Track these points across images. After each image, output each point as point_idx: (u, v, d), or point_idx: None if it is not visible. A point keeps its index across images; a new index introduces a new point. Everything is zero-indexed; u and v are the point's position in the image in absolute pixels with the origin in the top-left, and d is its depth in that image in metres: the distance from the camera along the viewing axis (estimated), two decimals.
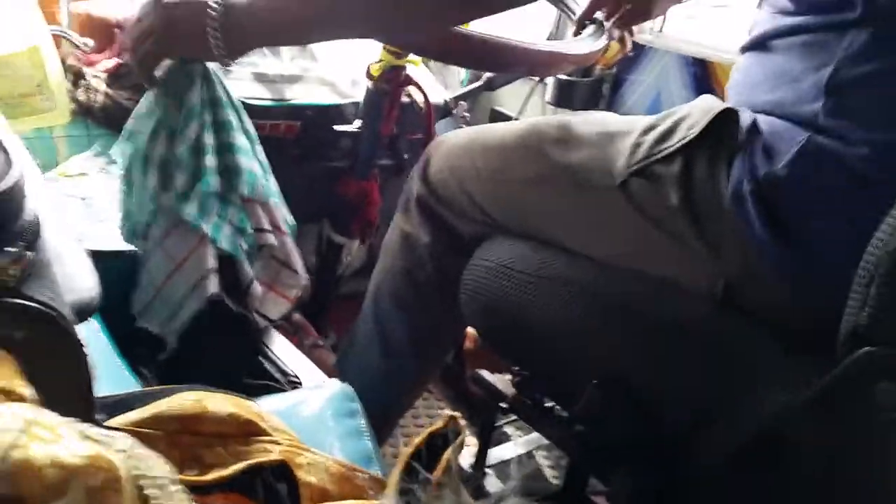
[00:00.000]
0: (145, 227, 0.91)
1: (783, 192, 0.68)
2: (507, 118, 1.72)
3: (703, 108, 0.76)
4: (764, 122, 0.71)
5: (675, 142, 0.74)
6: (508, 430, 1.29)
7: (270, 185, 0.95)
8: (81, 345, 0.46)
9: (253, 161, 0.92)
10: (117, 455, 0.28)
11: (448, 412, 0.48)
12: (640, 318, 0.74)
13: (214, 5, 0.73)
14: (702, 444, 0.69)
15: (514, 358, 0.94)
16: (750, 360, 0.68)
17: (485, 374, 0.99)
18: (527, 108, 1.67)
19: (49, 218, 0.54)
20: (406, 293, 1.02)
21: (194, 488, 0.34)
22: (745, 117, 0.72)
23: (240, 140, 0.90)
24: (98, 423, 0.53)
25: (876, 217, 0.56)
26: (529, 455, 1.19)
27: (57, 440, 0.26)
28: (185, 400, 0.67)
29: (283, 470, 0.39)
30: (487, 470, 1.06)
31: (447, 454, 0.39)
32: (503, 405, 0.97)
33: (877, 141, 0.63)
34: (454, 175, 0.92)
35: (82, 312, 0.50)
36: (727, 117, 0.73)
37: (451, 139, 0.98)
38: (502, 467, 1.08)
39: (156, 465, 0.30)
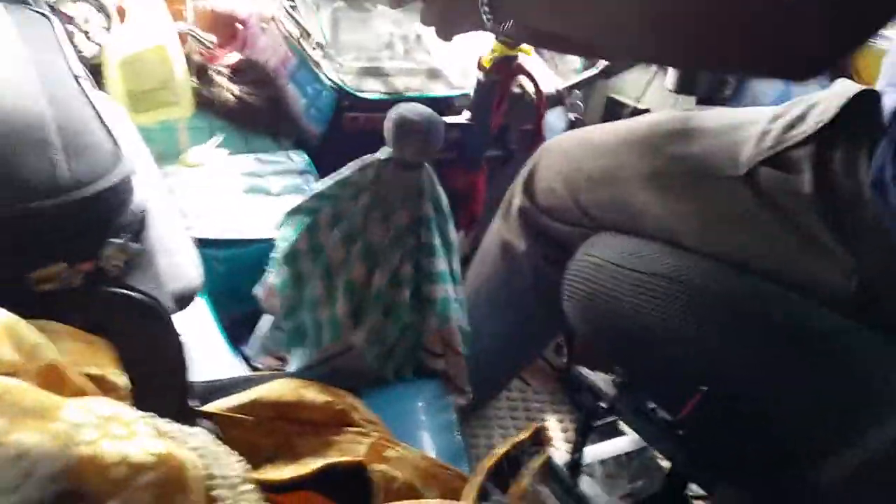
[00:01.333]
0: (316, 342, 0.81)
1: None
2: (624, 107, 1.66)
3: (839, 92, 0.69)
4: None
5: (807, 126, 0.68)
6: (607, 430, 1.25)
7: (458, 306, 0.85)
8: (179, 335, 0.48)
9: (448, 285, 0.82)
10: (189, 453, 0.28)
11: (535, 423, 0.46)
12: (758, 322, 0.69)
13: None
14: (817, 466, 0.64)
15: (617, 357, 0.90)
16: (882, 377, 0.61)
17: (585, 371, 0.96)
18: (646, 95, 1.60)
19: (159, 208, 0.56)
20: (501, 296, 1.00)
21: (275, 487, 0.34)
22: (891, 99, 0.65)
23: (438, 266, 0.80)
24: (193, 409, 0.55)
25: None
26: (628, 456, 1.15)
27: (131, 437, 0.27)
28: (283, 387, 0.69)
29: (359, 470, 0.38)
30: (584, 468, 1.03)
31: (525, 476, 0.38)
32: (603, 405, 0.93)
33: None
34: (564, 184, 0.89)
35: (184, 300, 0.52)
36: (868, 100, 0.66)
37: (558, 145, 0.95)
38: (599, 467, 1.05)
39: (228, 464, 0.30)
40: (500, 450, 0.46)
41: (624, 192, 0.82)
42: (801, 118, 0.70)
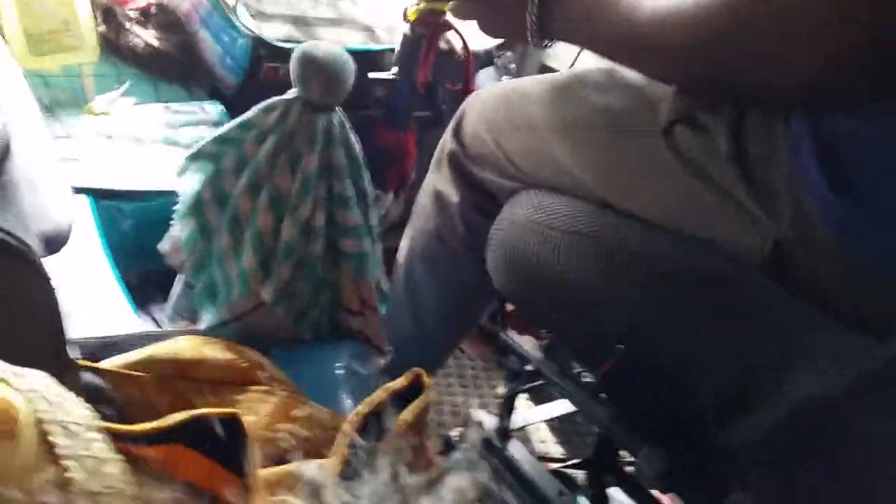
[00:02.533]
0: (226, 297, 0.77)
1: (853, 145, 0.60)
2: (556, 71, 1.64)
3: None
4: None
5: None
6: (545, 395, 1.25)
7: (375, 262, 0.81)
8: (48, 278, 0.43)
9: (364, 238, 0.78)
10: (16, 395, 0.24)
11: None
12: (676, 280, 0.68)
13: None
14: (736, 421, 0.63)
15: (540, 319, 0.88)
16: (795, 333, 0.61)
17: (513, 335, 0.94)
18: (579, 61, 1.59)
19: (29, 146, 0.51)
20: (437, 254, 0.98)
21: (133, 438, 0.30)
22: None
23: (351, 218, 0.76)
24: (74, 363, 0.50)
25: None
26: (560, 420, 1.15)
27: None
28: (183, 344, 0.64)
29: (233, 423, 0.35)
30: (512, 434, 1.02)
31: (391, 424, 0.35)
32: (529, 368, 0.92)
33: None
34: (488, 130, 0.87)
35: (52, 243, 0.47)
36: None
37: (487, 93, 0.93)
38: (528, 431, 1.04)
39: (72, 410, 0.26)
40: (374, 398, 0.43)
41: (544, 142, 0.81)
42: None
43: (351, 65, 0.73)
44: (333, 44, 0.72)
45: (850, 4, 0.51)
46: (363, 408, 0.43)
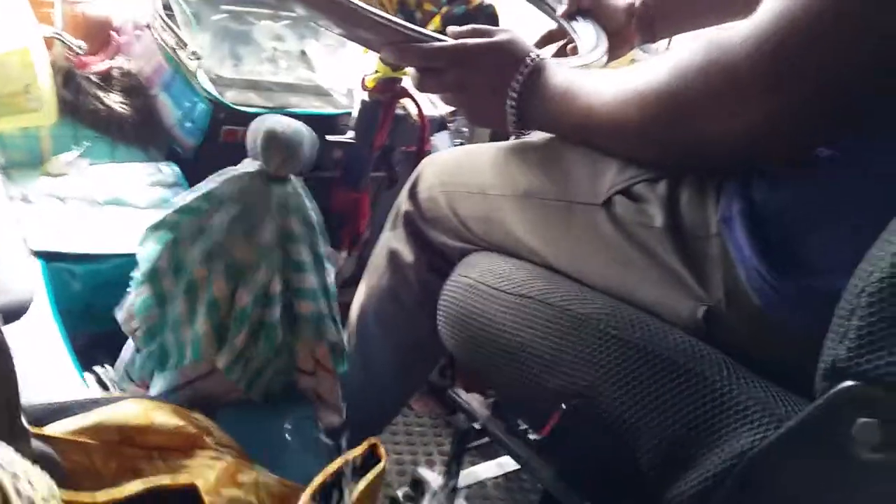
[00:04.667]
0: (178, 362, 0.77)
1: (777, 214, 0.65)
2: (506, 136, 1.70)
3: None
4: None
5: None
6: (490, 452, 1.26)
7: (332, 323, 0.83)
8: (6, 348, 0.44)
9: (320, 301, 0.80)
10: None
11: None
12: (616, 343, 0.71)
13: (516, 88, 0.77)
14: (675, 478, 0.66)
15: (487, 378, 0.90)
16: (728, 392, 0.64)
17: (460, 392, 0.96)
18: None
19: None
20: (390, 311, 1.00)
21: None
22: None
23: (308, 282, 0.78)
24: (25, 430, 0.51)
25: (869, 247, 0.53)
26: (506, 478, 1.16)
27: None
28: (131, 409, 0.65)
29: (191, 493, 0.36)
30: (459, 491, 1.03)
31: (349, 495, 0.37)
32: (476, 426, 0.93)
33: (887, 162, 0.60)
34: (443, 193, 0.91)
35: (12, 315, 0.48)
36: None
37: (443, 157, 0.97)
38: (474, 489, 1.05)
39: (35, 481, 0.27)
40: (332, 466, 0.44)
41: (495, 208, 0.84)
42: None
43: (310, 139, 0.76)
44: (292, 119, 0.75)
45: (789, 66, 0.57)
46: (321, 478, 0.44)
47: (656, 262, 0.71)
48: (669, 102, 0.64)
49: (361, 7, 0.76)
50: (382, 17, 0.77)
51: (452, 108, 1.42)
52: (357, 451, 0.47)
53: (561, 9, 1.09)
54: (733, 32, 0.59)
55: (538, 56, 0.78)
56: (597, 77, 0.74)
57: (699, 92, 0.62)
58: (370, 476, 0.47)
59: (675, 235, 0.70)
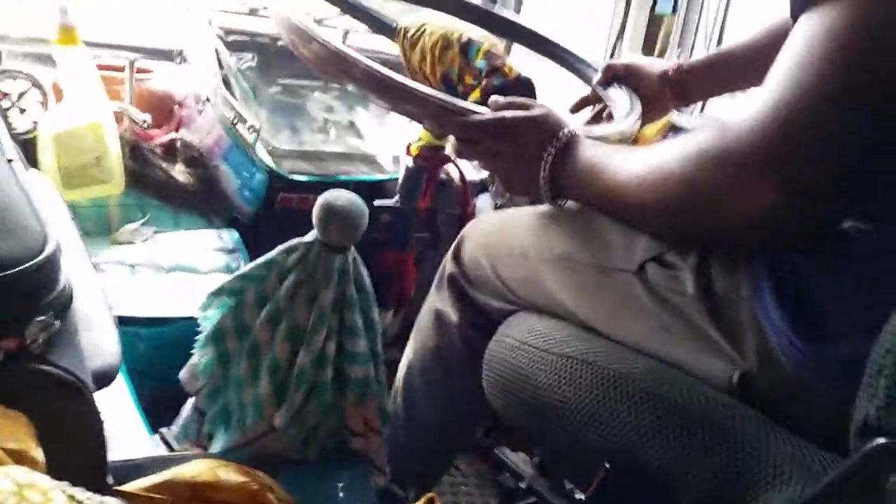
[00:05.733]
0: (241, 422, 0.81)
1: (803, 280, 0.67)
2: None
3: None
4: None
5: None
6: None
7: (379, 386, 0.87)
8: (98, 412, 0.49)
9: (369, 364, 0.85)
10: None
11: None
12: (655, 401, 0.73)
13: (548, 161, 0.80)
14: None
15: (531, 437, 0.93)
16: (763, 450, 0.66)
17: (506, 452, 0.98)
18: None
19: (82, 285, 0.58)
20: (436, 370, 1.02)
21: None
22: None
23: (360, 346, 0.83)
24: (109, 488, 0.55)
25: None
26: None
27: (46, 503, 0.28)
28: (199, 467, 0.69)
29: None
30: None
31: None
32: (522, 485, 0.95)
33: None
34: (486, 256, 0.94)
35: (104, 379, 0.53)
36: None
37: (485, 220, 1.01)
38: None
39: None
40: None
41: (535, 271, 0.87)
42: None
43: (365, 211, 0.81)
44: (350, 193, 0.81)
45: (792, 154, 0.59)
46: None
47: (691, 328, 0.73)
48: (684, 188, 0.67)
49: (405, 83, 0.81)
50: (424, 92, 0.82)
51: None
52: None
53: (597, 77, 1.14)
54: (741, 118, 0.61)
55: (571, 131, 0.81)
56: (622, 155, 0.77)
57: (712, 178, 0.64)
58: None
59: (707, 302, 0.72)
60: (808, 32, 0.60)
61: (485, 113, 0.84)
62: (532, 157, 0.81)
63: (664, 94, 1.12)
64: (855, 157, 0.59)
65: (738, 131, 0.61)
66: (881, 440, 0.53)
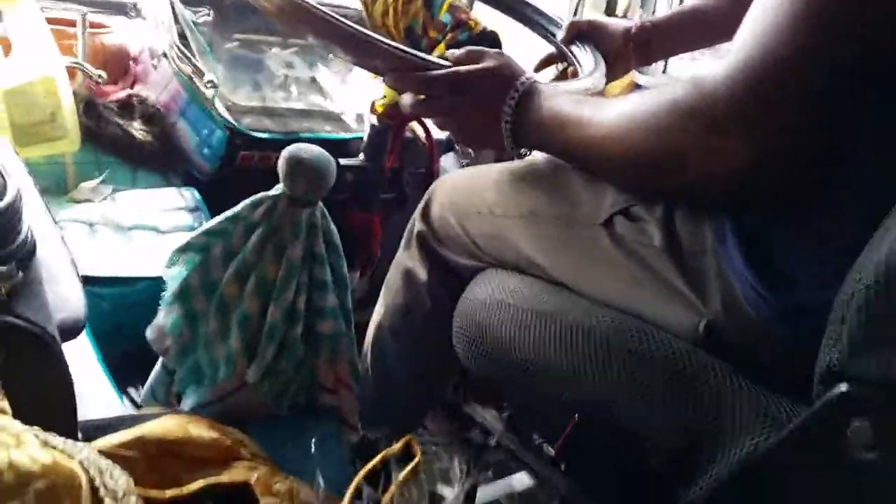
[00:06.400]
0: (212, 378, 0.81)
1: (766, 230, 0.69)
2: (510, 157, 1.74)
3: None
4: None
5: None
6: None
7: (349, 342, 0.87)
8: (66, 364, 0.48)
9: (339, 320, 0.84)
10: (76, 464, 0.29)
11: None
12: (623, 357, 0.74)
13: (509, 111, 0.79)
14: (684, 484, 0.69)
15: (502, 393, 0.94)
16: (731, 399, 0.68)
17: (476, 408, 0.99)
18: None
19: (44, 239, 0.56)
20: (405, 329, 1.02)
21: (162, 502, 0.35)
22: None
23: (330, 301, 0.82)
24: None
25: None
26: (523, 494, 1.18)
27: (19, 446, 0.28)
28: (169, 424, 0.68)
29: (244, 490, 0.39)
30: None
31: (393, 483, 0.40)
32: (491, 441, 0.96)
33: (870, 175, 0.62)
34: (454, 213, 0.94)
35: (70, 332, 0.52)
36: None
37: (452, 178, 1.01)
38: None
39: (114, 477, 0.31)
40: (372, 462, 0.48)
41: (503, 227, 0.87)
42: None
43: (333, 165, 0.80)
44: (317, 147, 0.79)
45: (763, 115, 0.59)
46: (360, 472, 0.48)
47: (658, 279, 0.74)
48: (654, 141, 0.66)
49: (365, 34, 0.79)
50: (385, 44, 0.80)
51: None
52: (396, 447, 0.50)
53: (560, 34, 1.13)
54: (713, 74, 0.61)
55: (529, 79, 0.80)
56: (589, 105, 0.76)
57: (682, 132, 0.63)
58: (411, 466, 0.51)
59: (673, 253, 0.73)
60: None
61: (448, 65, 0.82)
62: (491, 109, 0.80)
63: (627, 52, 1.12)
64: (825, 119, 0.58)
65: (711, 88, 0.61)
66: (843, 386, 0.55)
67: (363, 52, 0.82)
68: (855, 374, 0.54)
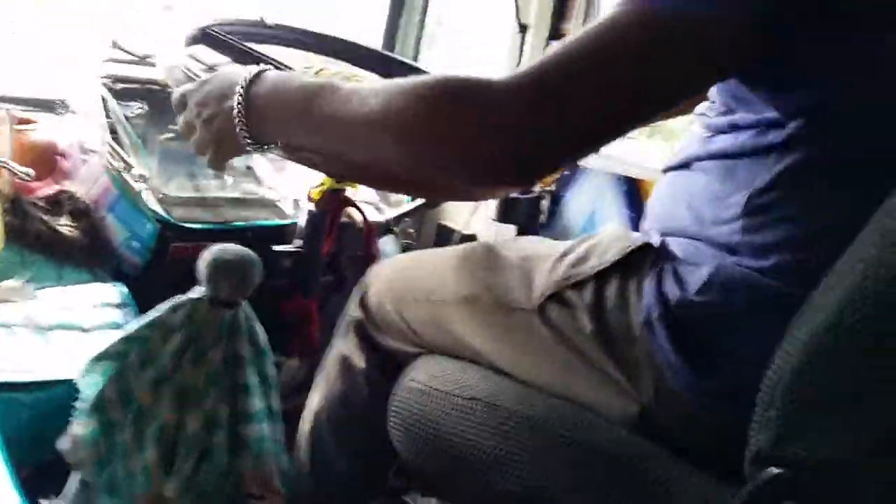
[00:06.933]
0: (128, 492, 0.77)
1: (693, 317, 0.69)
2: (453, 232, 1.76)
3: (612, 234, 0.79)
4: (677, 245, 0.73)
5: (587, 268, 0.76)
6: None
7: (276, 445, 0.85)
8: None
9: (264, 424, 0.82)
10: None
11: None
12: (562, 443, 0.73)
13: (238, 98, 0.72)
14: None
15: (438, 483, 0.91)
16: (667, 487, 0.66)
17: (416, 497, 0.96)
18: (472, 222, 1.70)
19: None
20: (342, 417, 1.00)
21: None
22: (655, 241, 0.74)
23: (255, 405, 0.81)
24: None
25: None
26: None
27: None
28: None
29: None
30: None
31: None
32: None
33: (790, 258, 0.64)
34: (391, 300, 0.93)
35: None
36: (639, 245, 0.75)
37: (390, 265, 1.01)
38: None
39: None
40: None
41: (440, 313, 0.87)
42: (583, 258, 0.78)
43: (258, 264, 0.78)
44: (239, 247, 0.77)
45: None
46: None
47: (590, 365, 0.74)
48: (420, 123, 0.61)
49: None
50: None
51: (399, 214, 1.48)
52: None
53: None
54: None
55: (249, 72, 0.73)
56: (333, 92, 0.67)
57: (444, 105, 0.60)
58: None
59: (604, 340, 0.73)
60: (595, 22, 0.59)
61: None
62: (223, 114, 0.73)
63: None
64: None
65: (495, 81, 0.59)
66: (774, 470, 0.54)
67: None
68: (784, 457, 0.54)
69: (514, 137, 0.58)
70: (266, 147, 0.74)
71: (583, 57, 0.58)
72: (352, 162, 0.75)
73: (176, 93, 0.78)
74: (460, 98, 0.60)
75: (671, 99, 0.61)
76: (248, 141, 0.72)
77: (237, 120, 0.71)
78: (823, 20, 0.59)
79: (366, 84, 0.67)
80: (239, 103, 0.71)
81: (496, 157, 0.59)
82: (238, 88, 0.71)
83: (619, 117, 0.60)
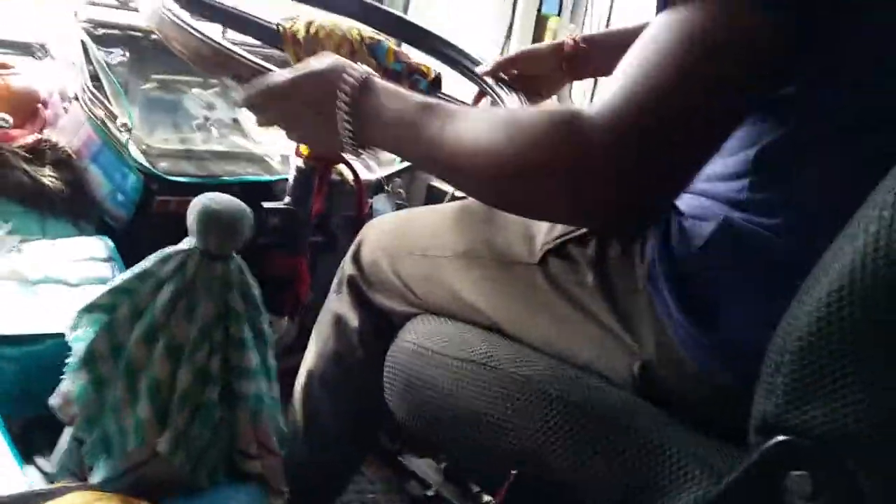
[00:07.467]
0: (121, 449, 0.75)
1: (697, 272, 0.68)
2: (443, 193, 1.74)
3: None
4: (682, 199, 0.72)
5: None
6: None
7: (273, 403, 0.82)
8: None
9: (261, 380, 0.79)
10: None
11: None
12: (558, 404, 0.73)
13: (345, 107, 0.71)
14: None
15: (436, 444, 0.91)
16: (669, 449, 0.66)
17: (412, 458, 0.96)
18: None
19: None
20: (336, 376, 0.99)
21: None
22: None
23: (251, 361, 0.78)
24: None
25: (789, 301, 0.56)
26: None
27: None
28: (75, 502, 0.63)
29: None
30: None
31: None
32: (429, 492, 0.93)
33: (798, 218, 0.63)
34: (385, 257, 0.92)
35: None
36: None
37: (383, 222, 0.99)
38: None
39: None
40: None
41: (437, 269, 0.86)
42: None
43: (248, 215, 0.76)
44: (230, 197, 0.75)
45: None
46: None
47: (592, 320, 0.74)
48: (514, 147, 0.60)
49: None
50: (230, 51, 0.77)
51: (390, 172, 1.46)
52: None
53: (482, 69, 1.10)
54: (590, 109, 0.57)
55: (361, 74, 0.73)
56: (446, 114, 0.67)
57: (542, 162, 0.58)
58: None
59: (606, 293, 0.73)
60: (654, 30, 0.56)
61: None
62: (322, 110, 0.73)
63: (559, 68, 1.10)
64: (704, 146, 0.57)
65: (589, 113, 0.56)
66: (780, 437, 0.54)
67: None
68: (791, 426, 0.53)
69: (621, 186, 0.56)
70: (364, 149, 0.74)
71: (677, 93, 0.55)
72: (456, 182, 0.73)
73: (265, 88, 0.77)
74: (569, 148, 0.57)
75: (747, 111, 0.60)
76: (352, 143, 0.72)
77: (345, 124, 0.71)
78: None
79: (478, 111, 0.68)
80: (345, 111, 0.70)
81: (605, 205, 0.57)
82: (344, 98, 0.71)
83: (718, 143, 0.58)
